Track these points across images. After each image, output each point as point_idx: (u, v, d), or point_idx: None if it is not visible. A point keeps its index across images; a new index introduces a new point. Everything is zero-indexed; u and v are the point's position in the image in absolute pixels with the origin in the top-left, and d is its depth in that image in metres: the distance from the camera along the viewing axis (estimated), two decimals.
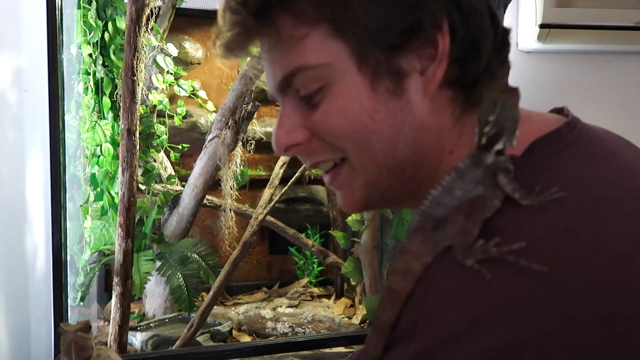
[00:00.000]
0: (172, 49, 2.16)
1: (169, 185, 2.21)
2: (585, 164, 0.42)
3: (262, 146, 2.64)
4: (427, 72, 0.47)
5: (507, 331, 0.34)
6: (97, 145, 1.82)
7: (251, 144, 2.12)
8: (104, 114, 1.85)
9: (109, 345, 1.67)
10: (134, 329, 1.93)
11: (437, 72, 0.47)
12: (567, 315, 0.34)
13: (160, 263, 1.99)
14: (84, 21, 1.76)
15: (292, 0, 0.46)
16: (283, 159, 2.47)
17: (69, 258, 1.61)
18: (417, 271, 0.40)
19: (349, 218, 2.14)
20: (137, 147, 1.64)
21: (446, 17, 0.45)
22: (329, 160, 0.52)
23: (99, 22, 1.79)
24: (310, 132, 0.51)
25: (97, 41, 1.79)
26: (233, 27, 0.48)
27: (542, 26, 2.10)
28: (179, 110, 2.51)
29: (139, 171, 2.00)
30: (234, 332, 2.12)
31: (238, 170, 2.07)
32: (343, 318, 2.21)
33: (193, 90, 2.52)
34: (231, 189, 2.04)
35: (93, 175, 1.85)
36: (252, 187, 2.59)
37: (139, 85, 1.62)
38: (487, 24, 0.48)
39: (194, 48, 2.61)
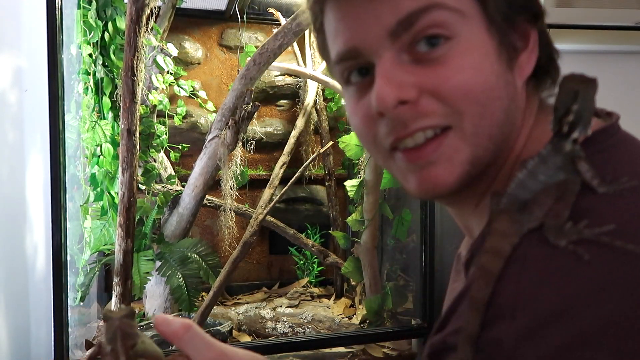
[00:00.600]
0: (172, 49, 2.16)
1: (169, 185, 2.21)
2: (638, 154, 0.45)
3: (262, 146, 2.64)
4: (522, 58, 0.49)
5: (610, 309, 0.35)
6: (97, 145, 1.82)
7: (251, 144, 2.12)
8: (104, 114, 1.84)
9: None
10: None
11: (530, 59, 0.49)
12: None
13: (160, 263, 1.99)
14: (84, 21, 1.76)
15: None
16: (283, 159, 2.47)
17: (69, 258, 1.61)
18: (506, 251, 0.41)
19: (349, 218, 2.14)
20: (137, 147, 1.64)
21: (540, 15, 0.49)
22: (433, 127, 0.46)
23: (99, 22, 1.79)
24: (419, 90, 0.46)
25: (97, 41, 1.79)
26: None
27: None
28: (179, 110, 2.51)
29: (139, 171, 2.00)
30: (234, 332, 2.12)
31: (238, 170, 2.07)
32: (343, 318, 2.21)
33: (193, 90, 2.52)
34: (231, 189, 2.04)
35: (93, 175, 1.85)
36: (252, 187, 2.59)
37: (139, 85, 1.62)
38: (545, 25, 0.51)
39: (194, 48, 2.61)
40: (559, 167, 0.43)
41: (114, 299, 1.66)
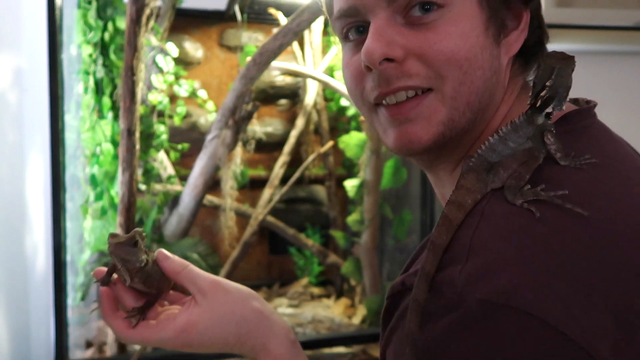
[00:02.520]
0: (172, 49, 2.16)
1: (168, 185, 2.21)
2: (606, 139, 0.50)
3: (262, 146, 2.64)
4: (510, 37, 0.52)
5: (554, 261, 0.40)
6: (97, 145, 1.82)
7: (251, 144, 2.12)
8: (103, 114, 1.84)
9: (109, 345, 1.67)
10: None
11: (519, 38, 0.53)
12: (605, 258, 0.40)
13: None
14: (84, 21, 1.76)
15: None
16: (283, 159, 2.47)
17: (69, 258, 1.61)
18: (468, 205, 0.46)
19: (349, 218, 2.14)
20: (137, 147, 1.64)
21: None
22: (415, 88, 0.50)
23: (99, 22, 1.79)
24: (406, 51, 0.49)
25: (97, 41, 1.79)
26: None
27: None
28: (178, 110, 2.51)
29: (139, 171, 2.00)
30: None
31: (238, 170, 2.07)
32: (343, 318, 2.21)
33: (193, 90, 2.52)
34: (231, 189, 2.04)
35: (93, 175, 1.85)
36: (252, 187, 2.59)
37: (138, 85, 1.62)
38: (541, 10, 0.54)
39: (193, 48, 2.61)
40: (529, 137, 0.47)
41: None
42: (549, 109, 0.47)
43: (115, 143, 1.83)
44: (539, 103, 0.47)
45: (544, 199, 0.43)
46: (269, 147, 2.64)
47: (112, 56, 1.83)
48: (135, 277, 0.56)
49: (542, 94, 0.46)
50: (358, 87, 0.53)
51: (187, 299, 0.58)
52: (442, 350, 0.41)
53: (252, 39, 2.69)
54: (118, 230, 1.65)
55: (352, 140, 2.07)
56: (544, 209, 0.42)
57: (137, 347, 1.89)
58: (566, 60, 0.47)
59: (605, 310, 0.39)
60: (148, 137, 2.09)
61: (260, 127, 2.68)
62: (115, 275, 0.57)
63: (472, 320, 0.40)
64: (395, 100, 0.50)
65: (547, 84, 0.46)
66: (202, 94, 2.54)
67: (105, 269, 0.58)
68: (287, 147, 2.54)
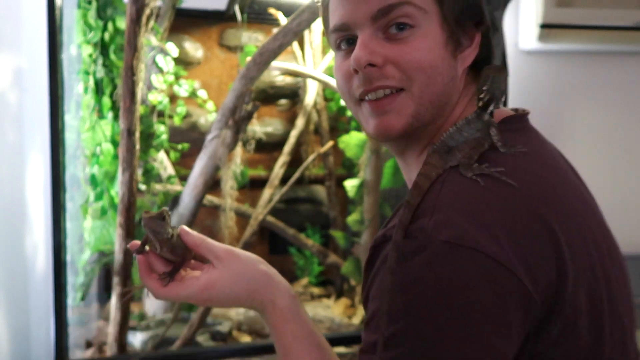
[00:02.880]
0: (172, 49, 2.16)
1: (168, 185, 2.21)
2: (533, 137, 0.69)
3: (262, 146, 2.64)
4: (465, 52, 0.68)
5: (492, 215, 0.57)
6: (97, 145, 1.82)
7: (251, 144, 2.12)
8: (104, 114, 1.84)
9: (109, 345, 1.67)
10: (134, 329, 1.93)
11: (472, 54, 0.69)
12: (524, 212, 0.58)
13: None
14: (84, 21, 1.75)
15: None
16: (283, 159, 2.47)
17: (69, 258, 1.61)
18: (433, 177, 0.62)
19: (349, 218, 2.14)
20: (137, 147, 1.64)
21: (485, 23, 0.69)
22: (391, 87, 0.66)
23: (99, 22, 1.79)
24: (385, 59, 0.65)
25: (97, 41, 1.79)
26: None
27: (542, 26, 2.10)
28: (178, 110, 2.51)
29: (139, 171, 2.00)
30: (234, 332, 2.11)
31: (238, 170, 2.07)
32: (343, 318, 2.21)
33: (193, 90, 2.52)
34: (231, 189, 2.04)
35: (93, 175, 1.85)
36: (252, 187, 2.58)
37: (138, 85, 1.62)
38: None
39: (194, 48, 2.61)
40: (478, 129, 0.64)
41: (114, 299, 1.66)
42: (491, 108, 0.64)
43: (115, 143, 1.82)
44: (481, 104, 0.63)
45: (486, 173, 0.60)
46: (269, 147, 2.64)
47: (112, 56, 1.82)
48: (163, 247, 0.70)
49: (481, 96, 0.63)
50: (347, 85, 0.69)
51: (206, 265, 0.72)
52: (416, 278, 0.56)
53: (252, 39, 2.69)
54: (118, 231, 1.65)
55: (352, 140, 2.07)
56: (486, 180, 0.59)
57: (137, 346, 1.89)
58: (499, 71, 0.64)
59: (525, 245, 0.56)
60: (148, 137, 2.09)
61: (260, 127, 2.67)
62: (147, 248, 0.71)
63: (438, 256, 0.55)
64: (375, 97, 0.66)
65: (484, 88, 0.63)
66: (202, 94, 2.54)
67: (139, 242, 0.72)
68: (287, 147, 2.54)
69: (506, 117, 0.68)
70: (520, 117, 0.69)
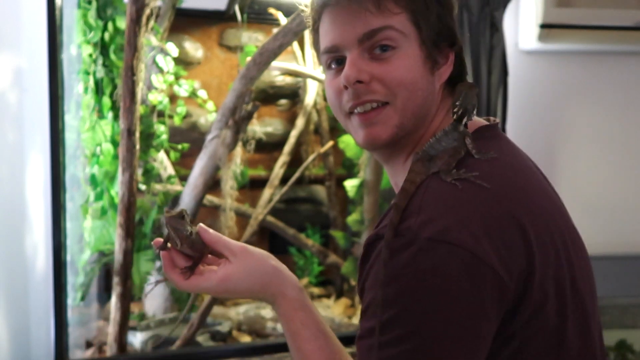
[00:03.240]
0: (172, 49, 2.16)
1: (168, 185, 2.21)
2: (504, 144, 0.78)
3: (262, 146, 2.64)
4: (442, 69, 0.78)
5: (469, 214, 0.65)
6: (97, 145, 1.82)
7: (251, 144, 2.12)
8: (104, 114, 1.84)
9: (109, 345, 1.67)
10: (134, 329, 1.93)
11: (447, 71, 0.79)
12: (497, 212, 0.67)
13: (160, 263, 1.98)
14: (84, 21, 1.75)
15: None
16: (283, 159, 2.47)
17: (69, 258, 1.61)
18: (417, 182, 0.70)
19: (349, 218, 2.14)
20: (137, 147, 1.64)
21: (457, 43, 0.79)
22: (376, 101, 0.74)
23: (99, 22, 1.78)
24: (371, 77, 0.73)
25: (97, 41, 1.79)
26: None
27: (542, 26, 2.10)
28: (179, 110, 2.51)
29: (139, 171, 2.00)
30: (234, 332, 2.12)
31: (238, 170, 2.07)
32: (343, 318, 2.21)
33: (193, 90, 2.52)
34: (231, 189, 2.04)
35: (93, 175, 1.85)
36: (252, 187, 2.58)
37: (138, 85, 1.62)
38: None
39: (194, 48, 2.61)
40: (455, 139, 0.72)
41: (114, 299, 1.66)
42: (465, 120, 0.72)
43: (115, 143, 1.82)
44: (456, 117, 0.72)
45: (464, 177, 0.68)
46: (269, 147, 2.64)
47: (112, 56, 1.82)
48: (184, 243, 0.76)
49: (455, 110, 0.72)
50: (337, 100, 0.78)
51: (222, 260, 0.79)
52: (405, 271, 0.64)
53: (252, 39, 2.69)
54: (118, 231, 1.65)
55: (352, 140, 2.07)
56: (464, 184, 0.67)
57: (137, 346, 1.89)
58: (471, 87, 0.74)
59: (498, 240, 0.65)
60: (148, 137, 2.09)
61: (260, 127, 2.67)
62: (169, 245, 0.77)
63: (422, 250, 0.63)
64: (363, 110, 0.75)
65: (457, 102, 0.72)
66: (202, 94, 2.54)
67: (161, 240, 0.78)
68: (287, 147, 2.54)
69: (479, 127, 0.77)
70: (491, 126, 0.79)
